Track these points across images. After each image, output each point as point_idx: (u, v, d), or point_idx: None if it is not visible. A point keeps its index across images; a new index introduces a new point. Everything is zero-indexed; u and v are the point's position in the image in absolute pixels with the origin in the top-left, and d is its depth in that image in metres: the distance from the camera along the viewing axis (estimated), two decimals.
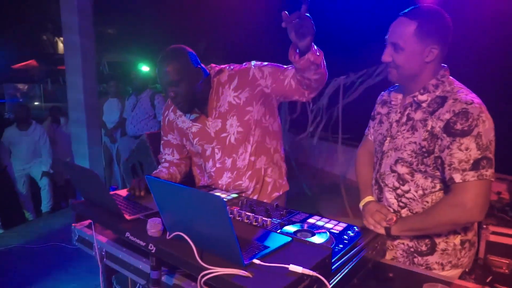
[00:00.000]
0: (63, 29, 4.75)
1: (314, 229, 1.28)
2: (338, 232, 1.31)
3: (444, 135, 1.26)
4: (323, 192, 5.53)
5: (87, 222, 1.58)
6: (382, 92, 1.63)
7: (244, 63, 1.76)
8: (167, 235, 1.12)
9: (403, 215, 1.43)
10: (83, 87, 4.77)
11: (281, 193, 1.90)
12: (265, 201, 1.84)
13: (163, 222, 1.14)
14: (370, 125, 1.68)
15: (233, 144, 1.75)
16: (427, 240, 1.40)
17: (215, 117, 1.74)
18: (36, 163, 4.79)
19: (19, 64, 19.13)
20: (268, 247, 1.04)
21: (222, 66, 1.78)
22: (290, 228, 1.30)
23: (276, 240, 1.09)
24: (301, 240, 1.13)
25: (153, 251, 1.10)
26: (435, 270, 1.40)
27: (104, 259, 1.46)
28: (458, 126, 1.23)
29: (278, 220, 1.40)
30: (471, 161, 1.23)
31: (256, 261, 0.96)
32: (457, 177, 1.25)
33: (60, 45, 22.42)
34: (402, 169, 1.39)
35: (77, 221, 1.50)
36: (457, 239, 1.39)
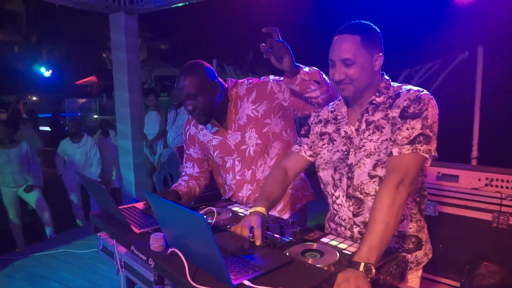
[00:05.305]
0: (112, 47, 5.07)
1: (324, 250, 1.22)
2: (351, 253, 1.23)
3: (399, 119, 1.29)
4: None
5: None
6: (314, 113, 1.57)
7: (263, 77, 1.77)
8: (168, 250, 1.12)
9: None
10: (129, 101, 5.03)
11: (304, 204, 1.87)
12: (288, 213, 1.81)
13: (165, 237, 1.14)
14: (303, 141, 1.55)
15: (252, 156, 1.76)
16: (413, 239, 1.41)
17: (234, 130, 1.76)
18: (87, 173, 5.11)
19: (81, 80, 20.77)
20: (263, 268, 1.00)
21: (240, 80, 1.79)
22: (298, 248, 1.25)
23: (275, 261, 1.05)
24: (302, 261, 1.07)
25: (152, 266, 1.10)
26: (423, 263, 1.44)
27: (123, 269, 1.49)
28: (411, 110, 1.27)
29: (290, 238, 1.35)
30: (411, 138, 1.24)
31: (246, 282, 0.93)
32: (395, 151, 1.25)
33: None
34: (382, 171, 1.33)
35: (95, 232, 1.56)
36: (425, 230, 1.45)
